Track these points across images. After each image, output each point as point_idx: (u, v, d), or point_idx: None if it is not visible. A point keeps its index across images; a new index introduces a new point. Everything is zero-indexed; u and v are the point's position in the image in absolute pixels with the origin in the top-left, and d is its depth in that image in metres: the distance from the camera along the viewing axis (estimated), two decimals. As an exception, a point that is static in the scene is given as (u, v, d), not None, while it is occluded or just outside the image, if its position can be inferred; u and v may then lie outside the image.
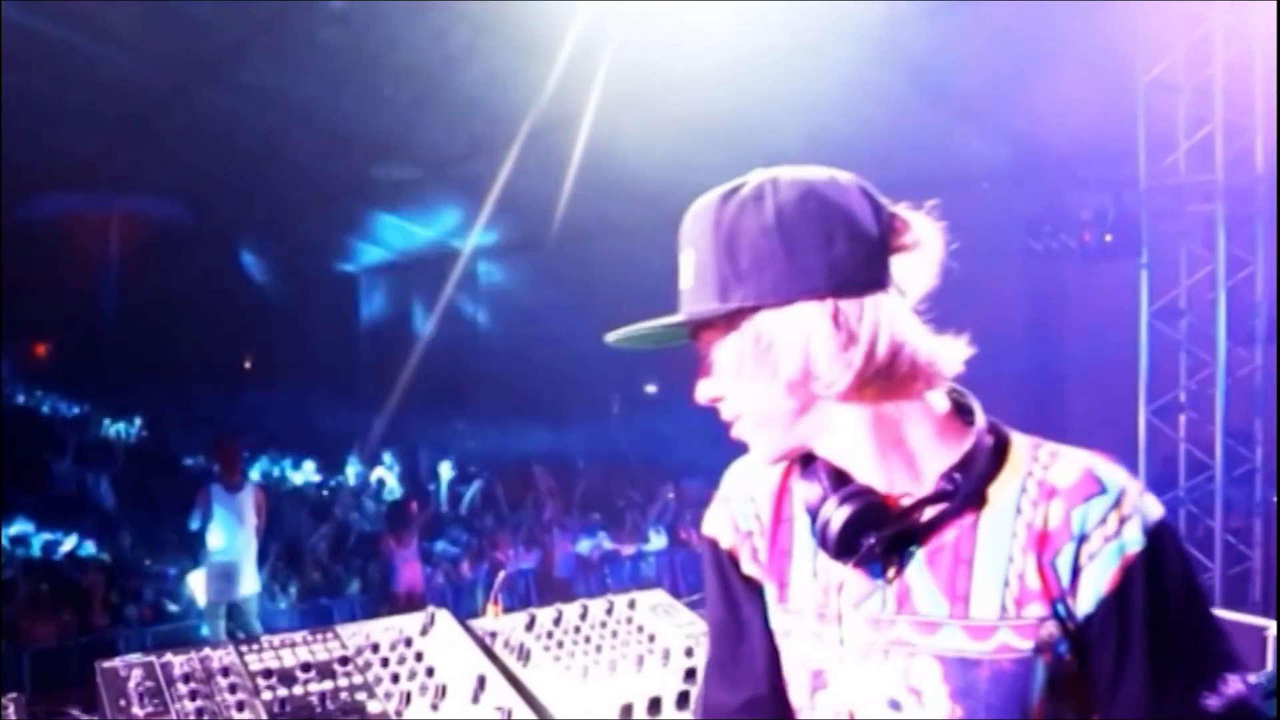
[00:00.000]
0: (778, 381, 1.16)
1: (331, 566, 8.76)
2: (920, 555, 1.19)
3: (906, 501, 1.18)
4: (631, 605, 2.18)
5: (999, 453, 1.18)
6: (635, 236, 11.68)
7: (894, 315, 1.13)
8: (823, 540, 1.19)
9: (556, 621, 2.09)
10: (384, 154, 11.38)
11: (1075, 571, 1.11)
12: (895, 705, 1.20)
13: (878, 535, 1.16)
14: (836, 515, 1.18)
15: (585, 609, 2.14)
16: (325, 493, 10.89)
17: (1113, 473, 1.14)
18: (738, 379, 1.18)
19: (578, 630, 2.07)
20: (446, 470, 11.40)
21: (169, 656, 1.89)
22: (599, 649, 2.01)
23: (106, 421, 13.47)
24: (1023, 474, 1.16)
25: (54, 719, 1.97)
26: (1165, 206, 6.84)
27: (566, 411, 12.89)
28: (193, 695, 1.79)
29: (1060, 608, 1.12)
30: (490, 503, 10.39)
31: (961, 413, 1.21)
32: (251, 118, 10.63)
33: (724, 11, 7.22)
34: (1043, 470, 1.16)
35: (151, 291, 12.71)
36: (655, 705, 1.81)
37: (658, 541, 9.74)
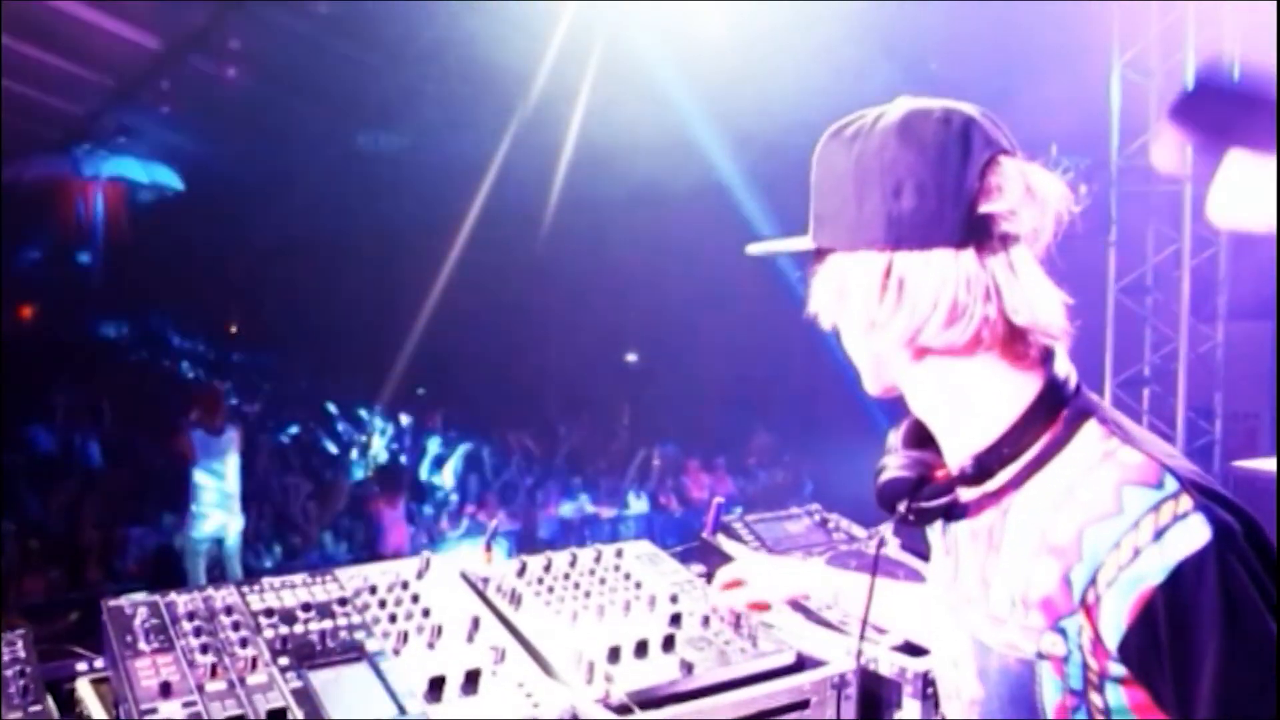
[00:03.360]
0: (851, 324, 1.16)
1: (318, 525, 8.85)
2: (966, 531, 1.17)
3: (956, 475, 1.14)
4: (619, 554, 2.26)
5: (1062, 437, 1.09)
6: (623, 212, 11.72)
7: (965, 273, 1.06)
8: None
9: (547, 568, 2.16)
10: (373, 123, 11.33)
11: (1096, 598, 1.01)
12: (955, 664, 1.23)
13: (909, 506, 1.16)
14: (881, 477, 1.19)
15: (574, 557, 2.21)
16: (312, 454, 10.92)
17: (1140, 494, 1.01)
18: (826, 313, 1.18)
19: (567, 577, 2.14)
20: (434, 441, 11.47)
21: (173, 596, 1.93)
22: (588, 595, 2.08)
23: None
24: (1065, 469, 1.08)
25: (59, 656, 2.01)
26: (1134, 187, 6.99)
27: (550, 379, 12.97)
28: (197, 632, 1.82)
29: (1071, 625, 1.03)
30: (474, 466, 10.49)
31: (1049, 385, 1.11)
32: (240, 84, 10.54)
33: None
34: (1084, 472, 1.06)
35: (137, 256, 12.61)
36: (642, 648, 1.87)
37: (638, 506, 9.88)
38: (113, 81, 10.88)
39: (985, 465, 1.11)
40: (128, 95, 11.11)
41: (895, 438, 1.24)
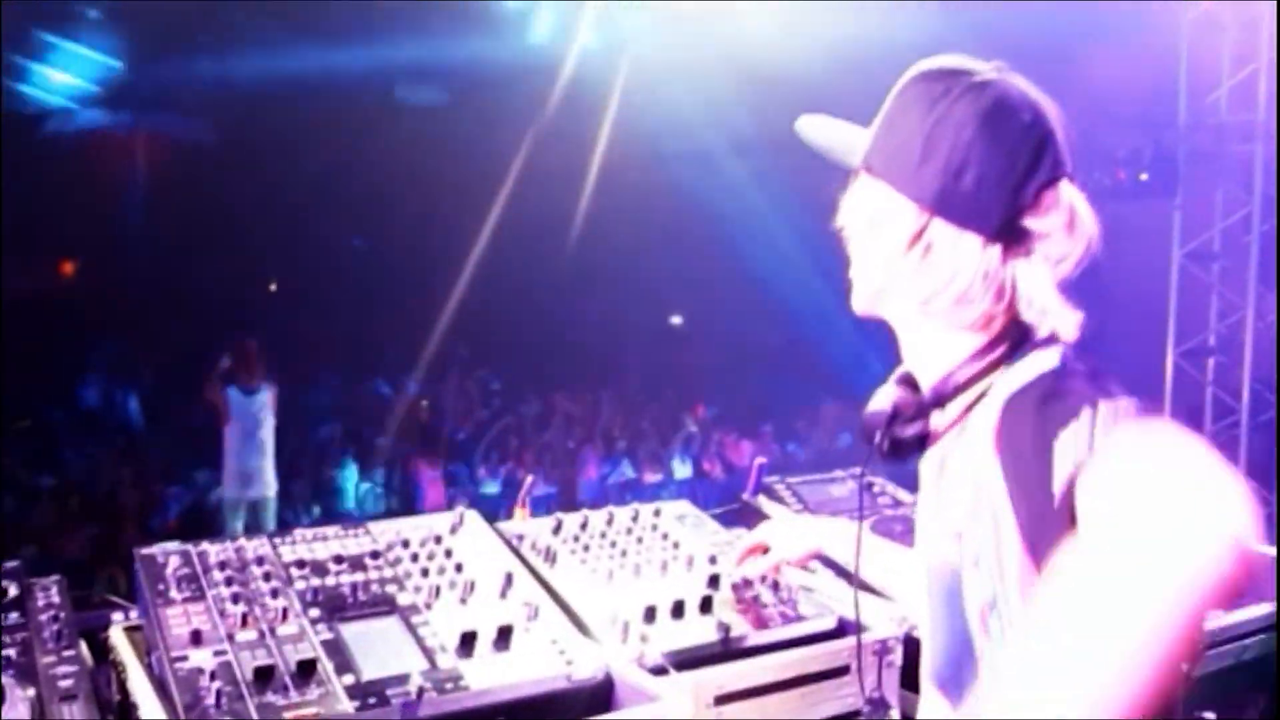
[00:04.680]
0: (870, 251, 1.22)
1: (356, 484, 8.94)
2: (932, 460, 1.25)
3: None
4: (657, 514, 2.21)
5: (1008, 362, 1.15)
6: (669, 170, 11.60)
7: (985, 266, 1.12)
8: None
9: (583, 526, 2.13)
10: (410, 76, 11.28)
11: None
12: (920, 589, 1.27)
13: (883, 434, 1.23)
14: (867, 407, 1.28)
15: (611, 515, 2.17)
16: (348, 412, 11.03)
17: (1064, 415, 1.04)
18: (852, 233, 1.25)
19: (603, 535, 2.10)
20: (473, 401, 11.51)
21: (205, 545, 1.94)
22: (624, 553, 2.04)
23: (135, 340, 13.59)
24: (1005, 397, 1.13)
25: (94, 603, 2.02)
26: (1204, 146, 6.70)
27: (593, 341, 12.94)
28: (228, 582, 1.82)
29: (984, 530, 1.08)
30: (515, 426, 10.50)
31: (1010, 327, 1.17)
32: (278, 36, 10.53)
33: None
34: (1018, 397, 1.11)
35: (176, 211, 12.73)
36: (679, 608, 1.84)
37: (682, 471, 9.83)
38: (149, 34, 10.92)
39: (941, 393, 1.18)
40: (164, 48, 11.13)
41: (891, 379, 1.30)
